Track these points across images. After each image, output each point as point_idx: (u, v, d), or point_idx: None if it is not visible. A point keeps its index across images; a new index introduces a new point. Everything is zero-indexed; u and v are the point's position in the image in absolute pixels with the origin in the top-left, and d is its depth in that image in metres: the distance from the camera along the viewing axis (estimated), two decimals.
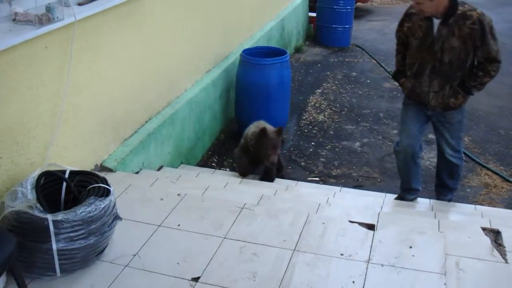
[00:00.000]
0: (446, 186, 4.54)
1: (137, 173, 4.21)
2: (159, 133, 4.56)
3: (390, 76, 8.15)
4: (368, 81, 8.10)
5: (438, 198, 4.61)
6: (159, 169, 4.59)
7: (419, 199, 4.53)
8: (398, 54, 4.43)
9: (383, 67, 8.56)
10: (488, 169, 5.50)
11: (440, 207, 4.32)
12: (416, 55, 4.12)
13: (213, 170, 5.06)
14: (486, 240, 3.27)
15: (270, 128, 4.71)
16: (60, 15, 3.23)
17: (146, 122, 4.51)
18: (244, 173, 4.85)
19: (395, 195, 4.61)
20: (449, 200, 4.58)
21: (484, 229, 3.40)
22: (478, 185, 5.24)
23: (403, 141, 4.34)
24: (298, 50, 9.43)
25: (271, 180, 4.78)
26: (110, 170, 3.88)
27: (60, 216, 2.68)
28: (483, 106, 7.02)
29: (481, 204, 4.77)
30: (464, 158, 5.69)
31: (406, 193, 4.54)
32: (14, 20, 3.12)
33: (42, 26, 3.11)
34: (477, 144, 6.08)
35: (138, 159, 4.25)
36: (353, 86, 7.89)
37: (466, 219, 3.91)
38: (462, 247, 3.19)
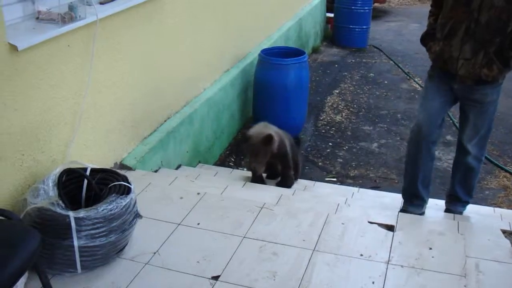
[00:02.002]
0: (456, 196, 3.97)
1: (156, 171, 4.22)
2: (178, 132, 4.58)
3: (408, 77, 8.14)
4: (386, 82, 8.08)
5: (447, 209, 4.06)
6: (177, 168, 4.60)
7: (437, 201, 4.31)
8: (431, 17, 3.74)
9: (400, 68, 8.53)
10: (507, 171, 5.47)
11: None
12: (450, 14, 3.48)
13: (231, 169, 5.07)
14: (506, 243, 3.26)
15: (260, 133, 4.15)
16: (83, 13, 3.26)
17: (165, 121, 4.53)
18: (257, 180, 4.45)
19: None
20: (459, 213, 4.00)
21: (504, 231, 3.40)
22: (496, 187, 5.21)
23: (419, 116, 3.81)
24: (315, 50, 9.42)
25: (286, 186, 4.42)
26: (129, 168, 3.90)
27: (81, 213, 2.70)
28: (502, 108, 6.93)
29: (500, 207, 4.74)
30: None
31: (409, 204, 3.94)
32: (37, 18, 3.15)
33: (65, 24, 3.14)
34: (495, 146, 6.04)
35: (157, 157, 4.27)
36: (370, 87, 7.88)
37: (486, 221, 3.89)
38: (482, 249, 3.19)
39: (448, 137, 6.04)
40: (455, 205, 4.00)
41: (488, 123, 3.67)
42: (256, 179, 4.43)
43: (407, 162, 3.95)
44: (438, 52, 3.57)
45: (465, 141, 3.75)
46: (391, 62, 8.91)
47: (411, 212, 3.81)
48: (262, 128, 4.25)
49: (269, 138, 4.08)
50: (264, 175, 4.60)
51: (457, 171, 3.92)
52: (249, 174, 4.54)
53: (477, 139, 3.71)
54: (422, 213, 3.90)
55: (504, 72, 3.47)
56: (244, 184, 3.96)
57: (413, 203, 3.90)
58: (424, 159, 3.81)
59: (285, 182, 4.44)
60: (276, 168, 4.47)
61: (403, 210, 3.92)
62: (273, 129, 4.30)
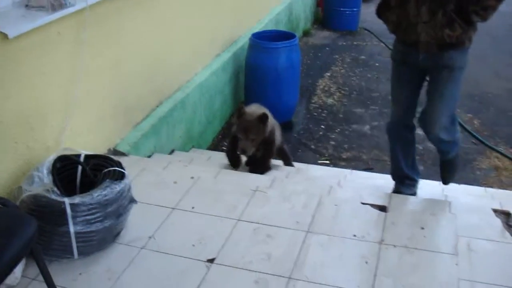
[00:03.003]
0: (442, 151, 3.79)
1: (149, 157, 4.24)
2: (171, 117, 4.59)
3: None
4: (377, 64, 8.09)
5: (443, 160, 3.87)
6: (170, 153, 4.62)
7: (429, 182, 4.35)
8: None
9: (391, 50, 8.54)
10: (497, 151, 5.51)
11: (450, 188, 4.33)
12: None
13: (224, 153, 5.08)
14: (497, 222, 3.29)
15: (255, 112, 3.99)
16: (72, 0, 3.25)
17: (157, 106, 4.54)
18: (233, 164, 4.27)
19: None
20: (453, 158, 3.82)
21: (495, 210, 3.42)
22: (487, 167, 5.25)
23: (393, 113, 3.78)
24: (306, 33, 9.42)
25: (260, 172, 4.12)
26: (123, 154, 3.92)
27: (77, 199, 2.72)
28: (492, 89, 7.02)
29: (491, 187, 4.78)
30: (474, 141, 5.74)
31: (401, 185, 3.87)
32: (27, 6, 3.13)
33: (55, 11, 3.12)
34: (486, 127, 6.08)
35: (150, 143, 4.29)
36: (361, 69, 7.89)
37: (477, 201, 3.93)
38: (473, 228, 3.22)
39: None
40: (448, 153, 3.80)
41: (454, 94, 3.45)
42: (234, 162, 4.23)
43: (390, 148, 3.91)
44: (396, 20, 3.38)
45: (432, 115, 3.48)
46: (382, 44, 8.92)
47: (403, 193, 3.77)
48: (257, 108, 4.10)
49: (264, 116, 3.92)
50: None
51: (435, 143, 3.73)
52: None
53: (444, 114, 3.45)
54: (414, 193, 3.86)
55: (469, 32, 3.26)
56: (217, 173, 3.83)
57: (404, 183, 3.85)
58: (404, 146, 3.77)
59: (261, 168, 4.17)
60: (257, 155, 4.17)
61: (395, 191, 3.86)
62: (267, 113, 4.05)
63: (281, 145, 4.44)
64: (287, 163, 4.63)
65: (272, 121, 4.10)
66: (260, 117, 3.90)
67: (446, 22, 3.18)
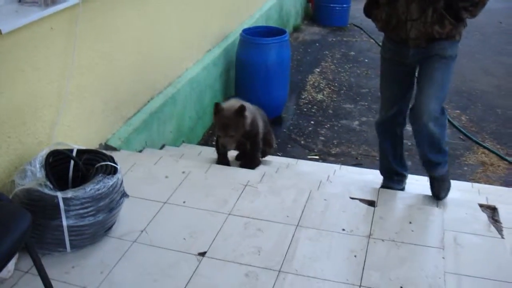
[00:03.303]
0: (431, 161, 3.58)
1: (140, 151, 4.27)
2: (162, 113, 4.62)
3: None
4: (367, 60, 8.15)
5: (429, 175, 3.68)
6: (161, 148, 4.65)
7: (417, 177, 4.36)
8: None
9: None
10: (485, 147, 5.58)
11: None
12: None
13: (214, 148, 5.11)
14: (483, 216, 3.35)
15: (233, 106, 3.85)
16: None
17: (148, 101, 4.56)
18: (222, 163, 4.12)
19: None
20: (444, 174, 3.64)
21: (481, 205, 3.49)
22: (475, 163, 5.31)
23: (381, 108, 3.72)
24: (296, 29, 9.45)
25: (249, 167, 4.09)
26: (114, 149, 3.94)
27: (69, 193, 2.74)
28: (480, 85, 7.09)
29: (478, 182, 4.84)
30: (462, 137, 5.79)
31: (389, 181, 3.86)
32: (20, 1, 3.15)
33: (48, 7, 3.14)
34: (474, 123, 6.15)
35: (141, 138, 4.32)
36: (351, 65, 7.94)
37: (464, 196, 3.98)
38: (460, 223, 3.28)
39: None
40: (435, 169, 3.59)
41: (445, 80, 3.37)
42: (222, 159, 4.13)
43: (379, 145, 3.90)
44: (385, 18, 3.34)
45: (423, 103, 3.35)
46: (372, 40, 8.97)
47: (392, 188, 3.76)
48: (234, 102, 3.95)
49: (241, 109, 3.78)
50: (232, 158, 4.32)
51: (422, 144, 3.52)
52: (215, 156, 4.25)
53: (434, 100, 3.34)
54: (403, 188, 3.86)
55: (459, 27, 3.25)
56: (208, 168, 3.86)
57: (393, 179, 3.85)
58: (392, 143, 3.76)
59: (250, 163, 4.13)
60: (246, 149, 4.16)
61: (384, 186, 3.83)
62: (246, 105, 3.92)
63: (265, 132, 4.28)
64: (266, 150, 4.42)
65: (253, 112, 4.01)
66: (237, 111, 3.79)
67: (436, 19, 3.17)
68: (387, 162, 3.84)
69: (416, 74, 3.51)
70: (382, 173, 3.94)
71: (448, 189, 3.64)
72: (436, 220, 3.22)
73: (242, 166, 4.12)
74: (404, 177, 3.91)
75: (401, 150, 3.83)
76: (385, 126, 3.73)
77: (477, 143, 5.67)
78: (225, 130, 3.79)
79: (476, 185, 4.58)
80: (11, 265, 2.68)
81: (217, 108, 3.82)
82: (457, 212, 3.41)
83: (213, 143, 5.35)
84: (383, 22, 3.38)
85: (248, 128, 3.89)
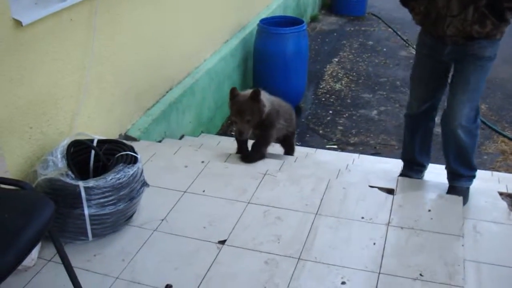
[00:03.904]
0: (456, 173, 3.47)
1: (159, 142, 4.30)
2: (180, 103, 4.64)
3: (407, 45, 8.16)
4: (385, 49, 8.10)
5: (451, 187, 3.51)
6: (180, 138, 4.68)
7: (436, 166, 4.14)
8: None
9: (399, 36, 8.54)
10: (505, 136, 5.54)
11: None
12: None
13: (233, 138, 5.13)
14: (503, 205, 3.34)
15: (248, 92, 3.73)
16: None
17: (167, 92, 4.59)
18: (238, 152, 4.01)
19: None
20: (464, 189, 3.46)
21: (501, 193, 3.47)
22: (494, 152, 5.28)
23: (411, 103, 3.57)
24: (314, 19, 9.42)
25: (247, 160, 3.84)
26: (134, 139, 3.98)
27: (91, 183, 2.78)
28: (500, 74, 7.01)
29: (498, 171, 4.81)
30: (481, 126, 5.75)
31: (409, 170, 3.75)
32: None
33: None
34: (493, 111, 6.10)
35: (160, 128, 4.35)
36: (369, 54, 7.90)
37: (483, 184, 3.96)
38: (480, 211, 3.28)
39: None
40: (458, 181, 3.49)
41: (481, 84, 3.22)
42: (241, 148, 3.99)
43: (404, 133, 3.76)
44: (423, 12, 3.18)
45: (456, 107, 3.23)
46: (390, 29, 8.92)
47: (410, 177, 3.69)
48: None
49: (256, 93, 3.63)
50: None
51: (450, 151, 3.44)
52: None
53: (469, 107, 3.21)
54: (420, 178, 3.76)
55: (501, 27, 3.03)
56: (227, 157, 3.84)
57: (413, 169, 3.74)
58: (422, 137, 3.63)
59: (252, 155, 3.88)
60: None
61: (402, 174, 3.75)
62: (266, 96, 3.82)
63: (288, 134, 4.18)
64: (288, 153, 4.34)
65: (273, 104, 3.86)
66: (252, 95, 3.64)
67: (477, 18, 2.98)
68: (411, 153, 3.72)
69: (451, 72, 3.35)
70: (403, 160, 3.84)
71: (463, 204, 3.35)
72: (455, 208, 3.21)
73: (242, 158, 3.88)
74: (424, 168, 3.80)
75: (430, 142, 3.72)
76: (417, 120, 3.59)
77: (497, 131, 5.63)
78: (241, 115, 3.64)
79: (496, 173, 4.55)
80: (34, 253, 2.73)
81: (233, 93, 3.72)
82: (476, 200, 3.40)
83: (232, 133, 5.39)
84: (422, 16, 3.21)
85: (264, 116, 3.72)
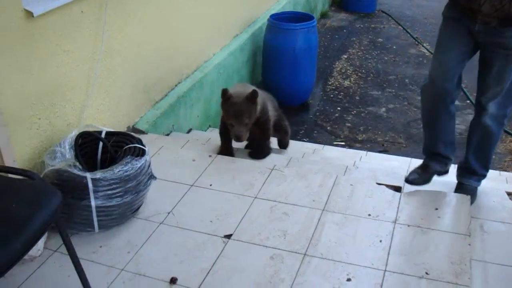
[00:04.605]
0: (470, 168, 3.36)
1: (167, 135, 4.30)
2: (189, 97, 4.64)
3: (417, 43, 8.14)
4: (394, 47, 8.08)
5: (459, 185, 3.45)
6: (188, 132, 4.68)
7: None
8: None
9: (409, 33, 8.52)
10: None
11: None
12: None
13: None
14: (511, 205, 3.32)
15: (242, 92, 3.52)
16: None
17: (176, 85, 4.59)
18: (223, 153, 3.79)
19: (421, 161, 3.59)
20: (473, 187, 3.40)
21: (509, 193, 3.45)
22: (503, 152, 5.26)
23: (433, 71, 3.17)
24: (323, 15, 9.40)
25: (258, 156, 3.81)
26: (142, 132, 3.98)
27: (98, 174, 2.78)
28: None
29: (506, 170, 4.80)
30: None
31: (431, 161, 3.44)
32: None
33: None
34: None
35: (168, 121, 4.35)
36: (379, 52, 7.88)
37: (491, 184, 3.94)
38: (487, 210, 3.26)
39: (456, 102, 6.06)
40: (468, 178, 3.40)
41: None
42: (226, 148, 3.80)
43: (424, 123, 3.45)
44: None
45: (485, 97, 3.07)
46: (400, 27, 8.89)
47: (432, 168, 3.43)
48: (242, 87, 3.65)
49: (254, 94, 3.46)
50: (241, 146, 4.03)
51: (473, 136, 3.28)
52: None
53: (499, 96, 3.00)
54: (446, 171, 3.51)
55: None
56: (235, 152, 3.77)
57: (436, 159, 3.44)
58: (443, 117, 3.26)
59: (260, 152, 3.84)
60: (255, 137, 3.79)
61: (424, 165, 3.48)
62: (254, 88, 3.61)
63: (277, 119, 4.02)
64: (283, 139, 4.22)
65: (262, 97, 3.68)
66: (249, 96, 3.46)
67: None
68: (433, 143, 3.41)
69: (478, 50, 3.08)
70: (424, 152, 3.53)
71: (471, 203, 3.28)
72: (462, 207, 3.20)
73: (251, 155, 3.84)
74: (449, 160, 3.48)
75: (453, 131, 3.39)
76: (435, 96, 3.21)
77: (505, 131, 5.60)
78: (239, 118, 3.45)
79: (504, 173, 4.53)
80: (41, 243, 2.74)
81: (226, 95, 3.49)
82: (484, 199, 3.38)
83: None
84: None
85: (258, 114, 3.58)
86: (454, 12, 3.00)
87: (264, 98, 3.76)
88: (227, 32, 5.59)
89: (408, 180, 3.43)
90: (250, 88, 3.59)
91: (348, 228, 2.97)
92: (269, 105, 3.84)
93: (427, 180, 3.45)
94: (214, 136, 4.61)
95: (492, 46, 2.91)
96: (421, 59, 7.53)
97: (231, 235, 2.90)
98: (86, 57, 3.39)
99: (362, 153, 4.83)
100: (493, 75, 2.96)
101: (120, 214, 2.91)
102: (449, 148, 3.42)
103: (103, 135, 3.13)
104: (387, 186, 3.37)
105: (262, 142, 3.85)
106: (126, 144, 3.05)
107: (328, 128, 5.68)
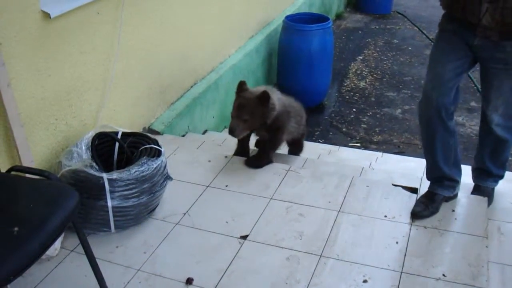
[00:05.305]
0: (486, 170, 3.28)
1: (183, 136, 4.31)
2: (204, 98, 4.65)
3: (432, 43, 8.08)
4: (410, 48, 8.04)
5: (476, 186, 3.39)
6: (203, 133, 4.68)
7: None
8: None
9: (425, 35, 8.47)
10: None
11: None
12: None
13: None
14: None
15: (259, 91, 3.38)
16: None
17: (191, 87, 4.60)
18: (239, 154, 3.71)
19: None
20: (490, 189, 3.35)
21: None
22: None
23: (427, 86, 2.98)
24: (339, 16, 9.37)
25: (252, 164, 3.57)
26: (157, 133, 3.99)
27: (115, 175, 2.80)
28: None
29: None
30: None
31: (438, 187, 3.16)
32: None
33: None
34: None
35: (184, 122, 4.36)
36: (394, 53, 7.85)
37: (508, 185, 3.91)
38: (504, 212, 3.25)
39: (472, 103, 6.04)
40: (485, 180, 3.32)
41: None
42: (242, 149, 3.69)
43: (423, 144, 3.21)
44: None
45: (490, 110, 2.95)
46: (415, 28, 8.84)
47: (439, 194, 3.15)
48: (264, 88, 3.46)
49: (265, 96, 3.31)
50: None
51: (486, 145, 3.18)
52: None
53: (504, 108, 2.90)
54: (455, 196, 3.24)
55: None
56: (251, 153, 3.71)
57: (443, 184, 3.16)
58: (441, 134, 3.00)
59: (256, 160, 3.61)
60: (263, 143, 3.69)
61: (430, 192, 3.19)
62: (277, 95, 3.54)
63: (298, 137, 3.90)
64: (294, 153, 4.02)
65: (286, 105, 3.56)
66: (260, 96, 3.32)
67: None
68: (435, 164, 3.15)
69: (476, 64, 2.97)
70: (428, 177, 3.26)
71: (488, 205, 3.22)
72: (479, 209, 3.18)
73: (245, 162, 3.61)
74: (457, 183, 3.22)
75: (456, 147, 3.14)
76: (430, 111, 2.96)
77: None
78: (239, 111, 3.35)
79: None
80: (57, 243, 2.75)
81: (241, 87, 3.43)
82: (501, 201, 3.36)
83: None
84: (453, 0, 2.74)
85: (270, 121, 3.43)
86: (451, 24, 2.88)
87: (288, 109, 3.60)
88: (243, 33, 5.60)
89: (414, 213, 3.08)
90: (276, 93, 3.48)
91: (364, 230, 2.97)
92: (293, 119, 3.66)
93: (434, 211, 3.11)
94: (229, 137, 4.59)
95: (491, 61, 2.80)
96: None
97: (247, 236, 2.90)
98: (102, 58, 3.41)
99: (378, 154, 4.80)
100: (494, 88, 2.87)
101: (136, 215, 2.92)
102: (454, 169, 3.16)
103: (119, 136, 3.14)
104: (403, 187, 3.36)
105: (264, 150, 3.67)
106: (142, 144, 3.07)
107: (344, 129, 5.66)
